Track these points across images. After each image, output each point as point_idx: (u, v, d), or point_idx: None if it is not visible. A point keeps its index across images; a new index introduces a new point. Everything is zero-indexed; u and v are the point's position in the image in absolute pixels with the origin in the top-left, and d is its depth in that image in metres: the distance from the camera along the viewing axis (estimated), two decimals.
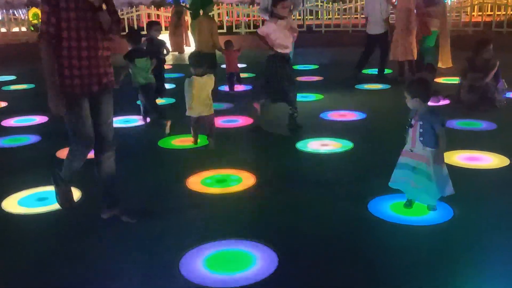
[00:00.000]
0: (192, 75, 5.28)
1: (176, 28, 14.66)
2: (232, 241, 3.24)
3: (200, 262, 2.99)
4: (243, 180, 4.34)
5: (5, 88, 9.65)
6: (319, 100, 7.68)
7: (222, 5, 18.78)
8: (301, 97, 7.74)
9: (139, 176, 4.57)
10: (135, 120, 6.58)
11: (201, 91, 5.25)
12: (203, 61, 5.40)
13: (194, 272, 2.89)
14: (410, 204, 3.62)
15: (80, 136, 3.28)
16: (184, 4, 15.46)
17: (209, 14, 8.82)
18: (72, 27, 3.10)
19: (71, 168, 3.43)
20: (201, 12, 8.23)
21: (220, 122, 6.33)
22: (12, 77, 10.93)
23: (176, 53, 14.45)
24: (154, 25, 7.32)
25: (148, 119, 6.44)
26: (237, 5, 21.92)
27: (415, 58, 8.52)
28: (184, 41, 14.92)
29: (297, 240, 3.28)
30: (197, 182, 4.31)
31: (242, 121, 6.43)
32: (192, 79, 5.23)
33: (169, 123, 5.86)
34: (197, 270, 2.91)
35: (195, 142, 5.47)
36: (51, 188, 4.17)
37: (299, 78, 9.58)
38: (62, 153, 4.77)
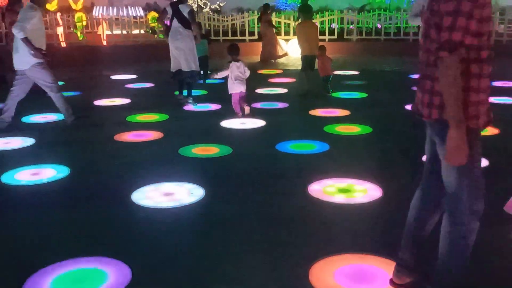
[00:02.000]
0: (230, 61, 6.91)
1: (270, 36, 14.32)
2: (359, 256, 3.05)
3: (329, 273, 2.84)
4: (367, 191, 4.12)
5: (128, 86, 10.20)
6: None
7: (334, 11, 18.53)
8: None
9: (259, 181, 4.51)
10: (252, 123, 6.60)
11: (237, 72, 6.83)
12: (238, 49, 7.05)
13: (324, 282, 2.75)
14: None
15: (481, 186, 2.31)
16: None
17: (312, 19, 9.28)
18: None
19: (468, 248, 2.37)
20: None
21: (337, 128, 6.17)
22: (133, 76, 11.56)
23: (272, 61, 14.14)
24: None
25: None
26: (347, 11, 21.55)
27: None
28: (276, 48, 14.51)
29: (429, 259, 3.01)
30: (319, 190, 4.16)
31: (360, 129, 6.19)
32: (231, 64, 6.87)
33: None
34: (327, 281, 2.77)
35: (240, 113, 6.92)
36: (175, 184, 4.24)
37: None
38: None
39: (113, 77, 11.54)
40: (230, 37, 16.63)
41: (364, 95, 8.59)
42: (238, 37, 16.56)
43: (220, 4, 28.37)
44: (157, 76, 11.05)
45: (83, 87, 9.84)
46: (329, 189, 4.16)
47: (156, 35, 18.25)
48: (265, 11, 14.49)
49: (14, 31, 5.89)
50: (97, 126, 6.68)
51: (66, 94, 9.09)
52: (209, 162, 5.02)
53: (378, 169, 4.69)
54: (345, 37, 16.45)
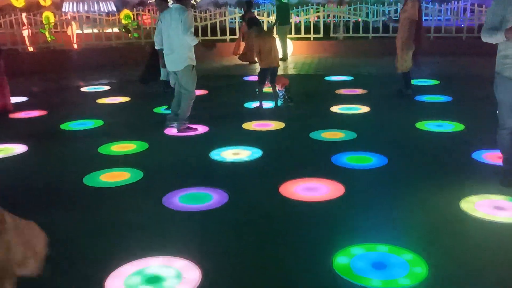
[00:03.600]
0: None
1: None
2: None
3: None
4: (411, 269, 3.25)
5: (100, 101, 9.11)
6: (460, 132, 6.33)
7: (314, 6, 17.62)
8: (435, 126, 6.54)
9: (263, 247, 3.61)
10: (247, 154, 5.66)
11: None
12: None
13: None
14: None
15: None
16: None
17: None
18: None
19: None
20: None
21: (347, 159, 5.27)
22: (106, 87, 10.48)
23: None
24: None
25: None
26: (323, 5, 20.70)
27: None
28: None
29: None
30: (345, 263, 3.27)
31: (372, 159, 5.31)
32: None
33: None
34: None
35: None
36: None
37: (419, 97, 8.32)
38: None
39: (84, 89, 10.43)
40: (209, 37, 15.57)
41: (366, 109, 7.69)
42: (218, 36, 15.50)
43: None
44: (132, 87, 9.80)
45: (49, 104, 8.71)
46: (358, 264, 3.27)
47: (130, 35, 17.08)
48: (249, 9, 13.48)
49: (190, 38, 6.08)
50: (64, 162, 5.66)
51: (30, 113, 8.07)
52: (201, 217, 4.07)
53: (410, 223, 3.81)
54: (331, 35, 15.53)
